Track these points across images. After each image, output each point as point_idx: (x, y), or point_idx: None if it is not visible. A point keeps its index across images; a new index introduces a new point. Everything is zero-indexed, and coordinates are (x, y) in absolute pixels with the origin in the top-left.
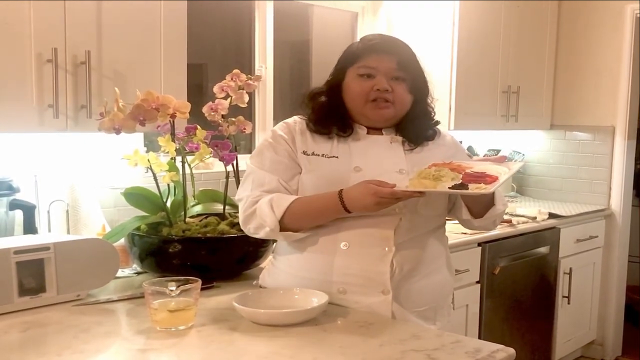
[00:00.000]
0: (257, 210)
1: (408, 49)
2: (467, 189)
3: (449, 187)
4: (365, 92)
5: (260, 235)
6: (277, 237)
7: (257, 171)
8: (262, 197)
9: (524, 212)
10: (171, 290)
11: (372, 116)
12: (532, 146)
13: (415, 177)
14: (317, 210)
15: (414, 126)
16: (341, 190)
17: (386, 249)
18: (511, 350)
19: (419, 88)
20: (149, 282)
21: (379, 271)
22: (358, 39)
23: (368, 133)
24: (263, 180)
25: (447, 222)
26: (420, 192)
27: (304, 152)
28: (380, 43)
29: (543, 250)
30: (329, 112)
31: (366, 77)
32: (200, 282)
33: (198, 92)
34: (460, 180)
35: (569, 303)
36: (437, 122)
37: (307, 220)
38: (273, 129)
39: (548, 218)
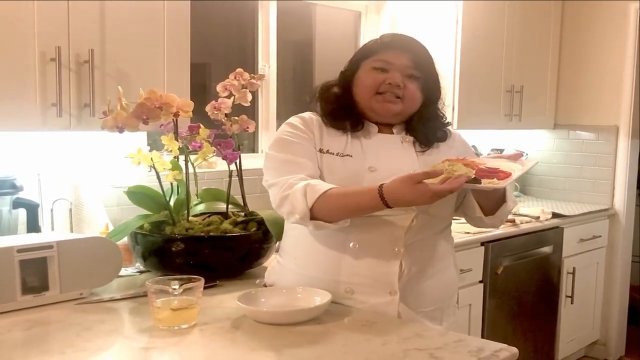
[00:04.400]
0: (291, 195)
1: (425, 50)
2: (480, 183)
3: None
4: (376, 84)
5: (291, 221)
6: (307, 225)
7: (291, 158)
8: (303, 180)
9: (527, 212)
10: (174, 289)
11: (379, 109)
12: (535, 146)
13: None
14: (353, 206)
15: (425, 128)
16: (381, 187)
17: (396, 249)
18: (514, 350)
19: (431, 89)
20: (152, 281)
21: (388, 272)
22: (361, 39)
23: (379, 132)
24: (301, 165)
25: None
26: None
27: (320, 150)
28: (398, 40)
29: (546, 249)
30: (341, 104)
31: (380, 70)
32: (203, 280)
33: (201, 91)
34: (474, 175)
35: (572, 303)
36: (448, 124)
37: (341, 214)
38: (290, 122)
39: (551, 218)
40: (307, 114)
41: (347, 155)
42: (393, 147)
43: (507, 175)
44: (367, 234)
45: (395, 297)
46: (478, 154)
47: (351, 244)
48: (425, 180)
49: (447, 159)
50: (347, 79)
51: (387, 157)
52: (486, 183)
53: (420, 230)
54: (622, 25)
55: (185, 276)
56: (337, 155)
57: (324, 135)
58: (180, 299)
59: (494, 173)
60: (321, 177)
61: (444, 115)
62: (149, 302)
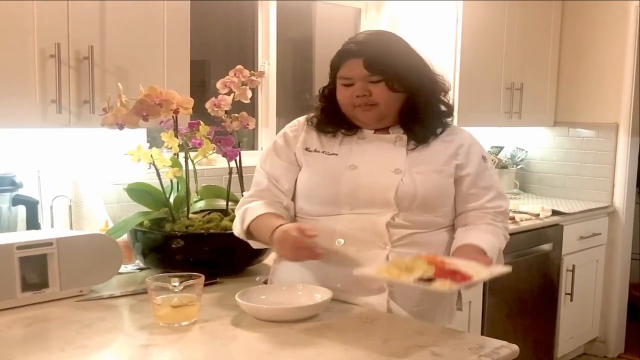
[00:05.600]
0: (237, 216)
1: (381, 47)
2: (432, 283)
3: (415, 279)
4: (347, 101)
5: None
6: (249, 242)
7: (258, 171)
8: (253, 198)
9: (527, 209)
10: (174, 286)
11: (362, 119)
12: (535, 143)
13: (390, 264)
14: (261, 236)
15: (417, 121)
16: (280, 225)
17: (381, 245)
18: (515, 347)
19: (405, 81)
20: (152, 278)
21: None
22: None
23: (375, 132)
24: (259, 179)
25: None
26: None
27: (307, 149)
28: (349, 48)
29: (546, 247)
30: (331, 117)
31: (346, 86)
32: (203, 277)
33: (201, 88)
34: (432, 274)
35: (571, 300)
36: (445, 112)
37: (262, 241)
38: (282, 131)
39: (551, 215)
40: (303, 118)
41: (334, 154)
42: (382, 146)
43: (465, 278)
44: (352, 230)
45: (384, 294)
46: (486, 158)
47: (337, 241)
48: (434, 285)
49: (417, 256)
50: (328, 95)
51: (372, 156)
52: (438, 284)
53: (408, 228)
54: (622, 22)
55: (185, 273)
56: (323, 153)
57: (313, 137)
58: (181, 296)
59: (451, 275)
60: (304, 174)
61: (437, 100)
62: (149, 299)
